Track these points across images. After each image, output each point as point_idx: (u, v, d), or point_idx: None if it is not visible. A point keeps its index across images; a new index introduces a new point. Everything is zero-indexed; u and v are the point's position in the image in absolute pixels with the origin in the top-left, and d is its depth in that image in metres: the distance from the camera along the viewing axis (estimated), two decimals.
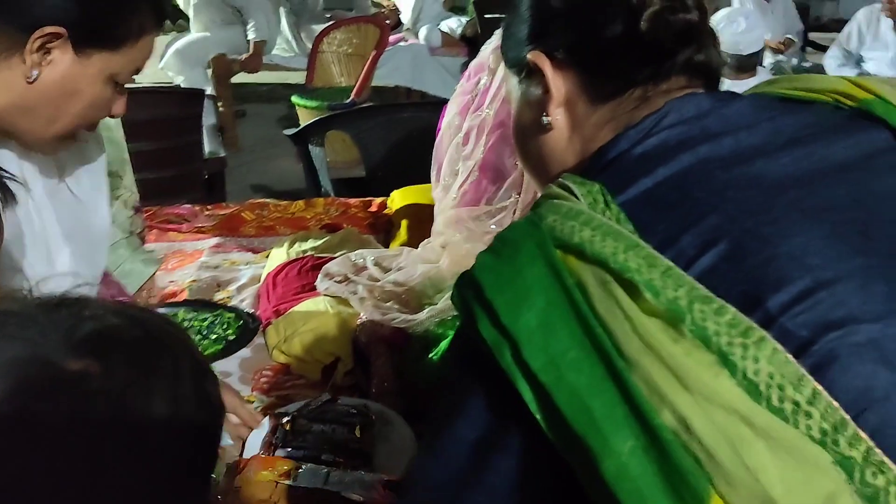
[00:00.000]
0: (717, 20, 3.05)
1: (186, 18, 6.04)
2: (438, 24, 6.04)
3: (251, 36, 5.10)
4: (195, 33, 5.18)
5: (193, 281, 1.70)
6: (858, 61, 4.58)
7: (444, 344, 1.29)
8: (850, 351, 0.54)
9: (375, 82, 4.97)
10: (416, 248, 1.59)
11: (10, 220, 0.99)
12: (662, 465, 0.53)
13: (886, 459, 0.51)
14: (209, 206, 2.11)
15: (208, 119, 3.05)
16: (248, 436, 1.16)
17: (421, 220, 1.74)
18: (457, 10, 6.74)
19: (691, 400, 0.53)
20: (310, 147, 2.70)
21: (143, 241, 1.54)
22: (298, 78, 5.30)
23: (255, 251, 1.86)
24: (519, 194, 1.45)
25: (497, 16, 5.63)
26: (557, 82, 0.76)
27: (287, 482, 1.01)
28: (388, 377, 1.27)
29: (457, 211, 1.47)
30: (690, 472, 0.52)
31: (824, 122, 0.69)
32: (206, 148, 2.87)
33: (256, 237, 1.94)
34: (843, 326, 0.54)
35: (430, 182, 1.63)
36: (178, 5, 5.54)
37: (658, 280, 0.56)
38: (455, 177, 1.50)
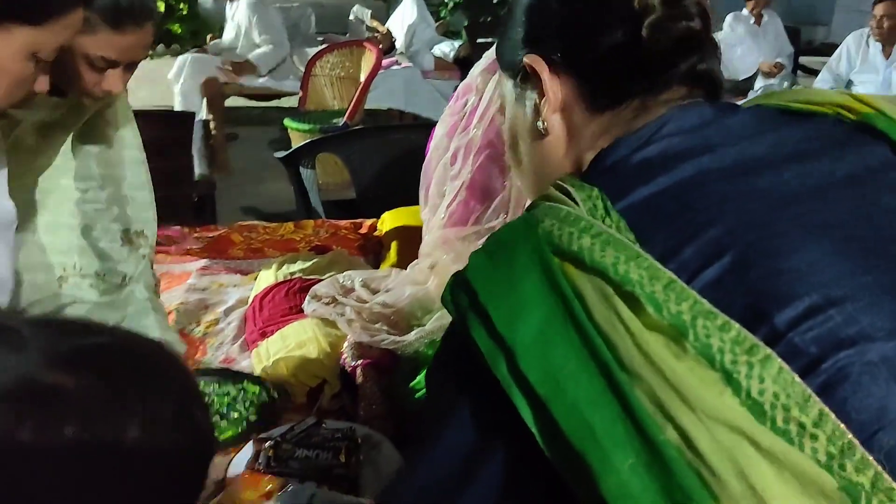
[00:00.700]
0: None
1: (180, 42, 6.09)
2: (431, 49, 6.08)
3: (252, 56, 5.25)
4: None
5: (181, 303, 1.68)
6: (848, 85, 4.61)
7: None
8: (862, 370, 0.52)
9: (368, 105, 4.98)
10: (406, 269, 1.58)
11: None
12: (665, 483, 0.51)
13: None
14: (198, 229, 2.10)
15: (198, 142, 3.04)
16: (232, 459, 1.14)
17: (411, 241, 1.73)
18: (450, 34, 6.81)
19: (695, 418, 0.51)
20: (301, 170, 2.70)
21: (157, 294, 1.50)
22: (291, 101, 5.31)
23: (243, 273, 1.84)
24: (507, 214, 1.44)
25: (489, 40, 5.67)
26: (554, 87, 0.74)
27: (270, 503, 1.00)
28: (375, 400, 1.25)
29: (444, 231, 1.46)
30: (694, 490, 0.50)
31: (827, 136, 0.68)
32: (197, 170, 2.87)
33: (245, 259, 1.92)
34: (856, 345, 0.53)
35: (419, 204, 1.63)
36: (173, 30, 5.60)
37: (660, 294, 0.55)
38: (443, 197, 1.49)
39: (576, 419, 0.54)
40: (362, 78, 4.75)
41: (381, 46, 5.22)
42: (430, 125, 1.84)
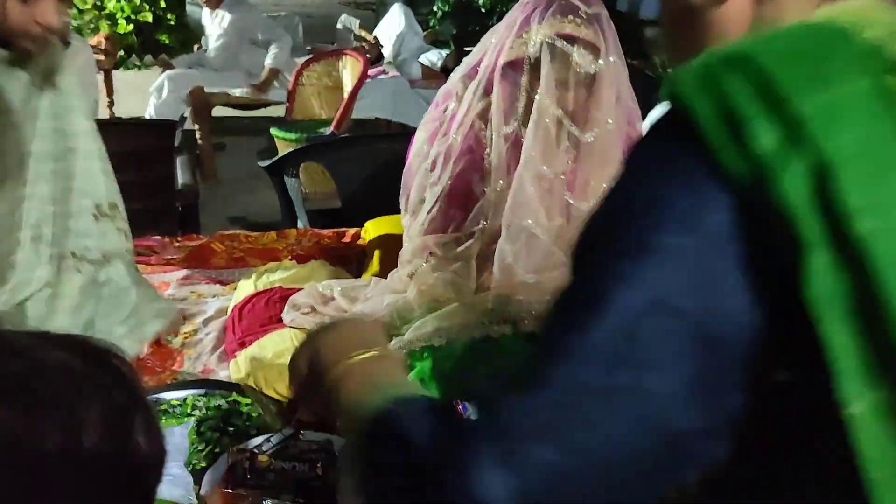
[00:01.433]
0: None
1: (169, 52, 6.07)
2: (419, 58, 6.07)
3: (268, 62, 5.21)
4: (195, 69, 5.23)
5: None
6: None
7: (417, 370, 1.27)
8: None
9: (356, 115, 4.96)
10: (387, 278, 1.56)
11: None
12: None
13: None
14: (179, 238, 2.07)
15: (183, 150, 3.02)
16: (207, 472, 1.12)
17: (393, 250, 1.71)
18: (438, 43, 6.79)
19: None
20: (285, 179, 2.68)
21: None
22: (280, 111, 5.29)
23: (223, 283, 1.82)
24: (487, 221, 1.42)
25: None
26: None
27: None
28: None
29: (423, 238, 1.44)
30: None
31: None
32: (180, 180, 2.85)
33: (226, 269, 1.89)
34: None
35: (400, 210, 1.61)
36: (162, 40, 5.58)
37: None
38: (422, 203, 1.47)
39: None
40: (349, 87, 4.73)
41: (368, 56, 5.21)
42: (412, 133, 1.82)
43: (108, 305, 1.42)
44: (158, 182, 2.55)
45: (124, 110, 5.39)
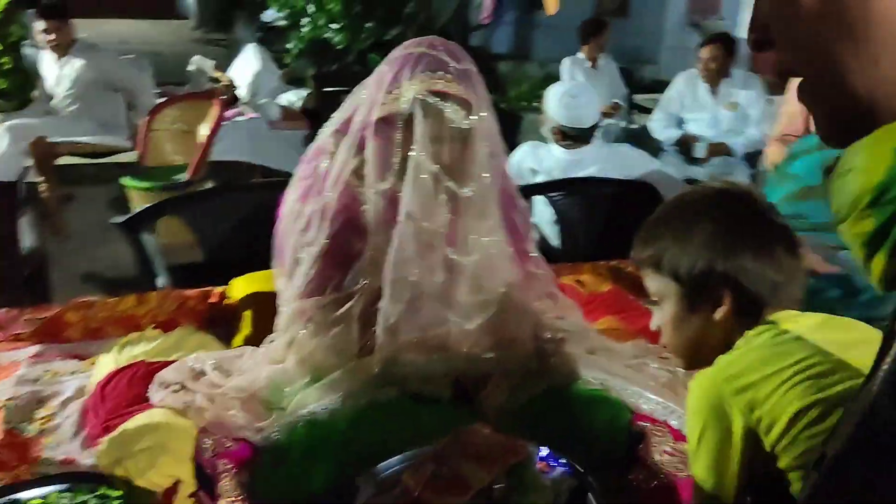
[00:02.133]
0: (554, 96, 3.12)
1: (4, 97, 5.68)
2: (276, 98, 5.95)
3: (139, 120, 4.95)
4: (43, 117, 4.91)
5: (10, 399, 1.50)
6: (680, 123, 4.86)
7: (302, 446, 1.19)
8: None
9: (213, 158, 4.80)
10: (263, 340, 1.49)
11: None
12: None
13: None
14: (27, 310, 1.90)
15: (26, 208, 2.81)
16: None
17: (266, 308, 1.63)
18: (295, 81, 6.69)
19: None
20: (142, 235, 2.53)
21: None
22: (130, 157, 5.05)
23: (81, 358, 1.68)
24: (368, 279, 1.38)
25: (337, 89, 5.63)
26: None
27: None
28: (236, 497, 1.15)
29: (301, 303, 1.38)
30: None
31: None
32: (26, 243, 2.64)
33: (82, 341, 1.75)
34: None
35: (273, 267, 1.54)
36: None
37: None
38: (298, 265, 1.41)
39: None
40: (205, 132, 4.58)
41: (224, 97, 5.06)
42: (277, 184, 1.75)
43: None
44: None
45: None
